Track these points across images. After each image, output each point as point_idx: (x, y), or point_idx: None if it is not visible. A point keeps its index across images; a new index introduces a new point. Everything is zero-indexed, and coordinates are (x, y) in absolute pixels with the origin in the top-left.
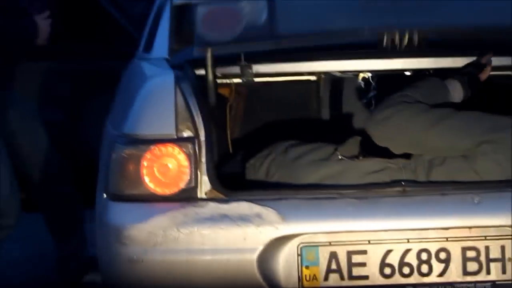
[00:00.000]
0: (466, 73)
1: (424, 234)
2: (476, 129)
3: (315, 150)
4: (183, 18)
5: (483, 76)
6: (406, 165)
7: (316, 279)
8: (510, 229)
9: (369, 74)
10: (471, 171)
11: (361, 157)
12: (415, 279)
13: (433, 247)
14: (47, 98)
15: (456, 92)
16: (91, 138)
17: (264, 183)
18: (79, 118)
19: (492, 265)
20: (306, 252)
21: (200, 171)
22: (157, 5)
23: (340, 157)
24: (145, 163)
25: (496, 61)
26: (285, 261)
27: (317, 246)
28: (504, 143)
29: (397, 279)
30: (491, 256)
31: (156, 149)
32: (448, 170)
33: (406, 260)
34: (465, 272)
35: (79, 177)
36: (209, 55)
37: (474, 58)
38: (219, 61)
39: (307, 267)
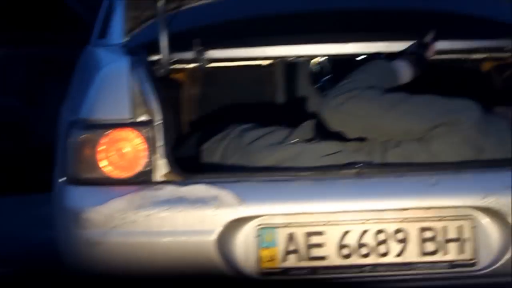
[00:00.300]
0: (412, 53)
1: (381, 215)
2: (431, 112)
3: (270, 134)
4: (138, 3)
5: (429, 54)
6: (361, 148)
7: (274, 260)
8: (466, 209)
9: (322, 59)
10: (426, 153)
11: (317, 140)
12: (373, 259)
13: (390, 228)
14: (1, 83)
15: (405, 72)
16: (48, 122)
17: (221, 166)
18: (35, 103)
19: (449, 245)
20: (264, 233)
21: (156, 155)
22: None
23: (295, 141)
24: (102, 147)
25: (447, 44)
26: (244, 242)
27: (275, 227)
28: (458, 125)
29: (355, 260)
30: (449, 236)
31: (112, 133)
32: (403, 153)
33: (364, 241)
34: (423, 253)
35: (35, 161)
36: (164, 40)
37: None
38: (174, 46)
39: (265, 248)
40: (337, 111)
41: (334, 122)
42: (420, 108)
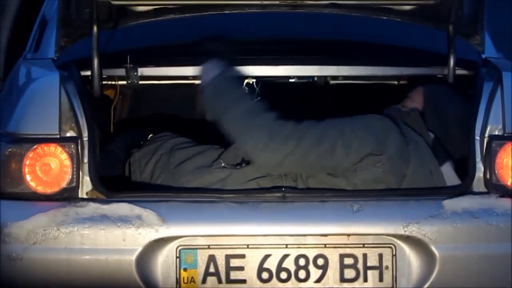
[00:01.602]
0: None
1: (302, 240)
2: (358, 146)
3: (199, 155)
4: (69, 18)
5: None
6: (287, 173)
7: (194, 281)
8: (388, 237)
9: (253, 80)
10: (350, 183)
11: (243, 165)
12: (292, 284)
13: (311, 253)
14: None
15: None
16: None
17: (147, 185)
18: None
19: (369, 272)
20: (184, 254)
21: (82, 171)
22: (44, 7)
23: (223, 165)
24: (27, 162)
25: (378, 70)
26: (164, 263)
27: (196, 249)
28: (381, 155)
29: (275, 284)
30: (369, 263)
31: (38, 148)
32: (327, 180)
33: (284, 265)
34: (343, 279)
35: None
36: (95, 56)
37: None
38: (105, 62)
39: (185, 270)
40: (274, 165)
41: (271, 164)
42: (346, 142)
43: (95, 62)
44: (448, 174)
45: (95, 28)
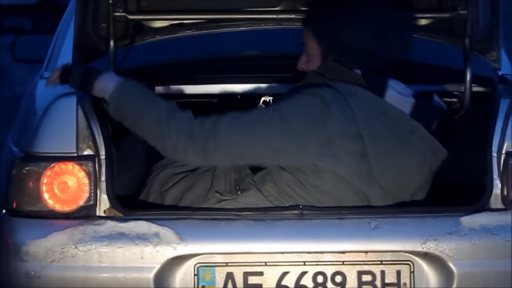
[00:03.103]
0: None
1: (320, 257)
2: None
3: (190, 191)
4: (86, 34)
5: None
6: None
7: None
8: (405, 254)
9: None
10: None
11: (239, 192)
12: None
13: (329, 270)
14: None
15: None
16: None
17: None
18: None
19: None
20: (202, 272)
21: (99, 189)
22: (61, 24)
23: (218, 196)
24: (45, 180)
25: None
26: (182, 280)
27: (214, 266)
28: None
29: None
30: (387, 280)
31: (56, 166)
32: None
33: (302, 282)
34: None
35: None
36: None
37: None
38: None
39: (203, 287)
40: (203, 156)
41: (198, 162)
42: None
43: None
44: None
45: (111, 44)
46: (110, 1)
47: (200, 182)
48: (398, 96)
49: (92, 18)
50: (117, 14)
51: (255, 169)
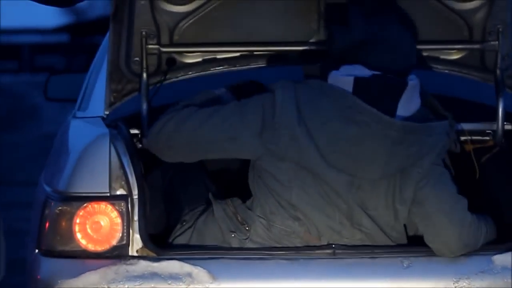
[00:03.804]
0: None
1: None
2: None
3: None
4: (119, 70)
5: None
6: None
7: None
8: None
9: None
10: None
11: (247, 228)
12: None
13: None
14: None
15: (225, 95)
16: None
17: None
18: None
19: None
20: None
21: (132, 229)
22: (93, 63)
23: (232, 236)
24: (78, 220)
25: None
26: None
27: None
28: None
29: None
30: None
31: (89, 206)
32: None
33: None
34: None
35: None
36: (145, 114)
37: None
38: (154, 120)
39: None
40: (158, 136)
41: (157, 148)
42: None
43: (144, 119)
44: None
45: (144, 77)
46: (143, 33)
47: (208, 228)
48: (338, 76)
49: (125, 52)
50: (150, 46)
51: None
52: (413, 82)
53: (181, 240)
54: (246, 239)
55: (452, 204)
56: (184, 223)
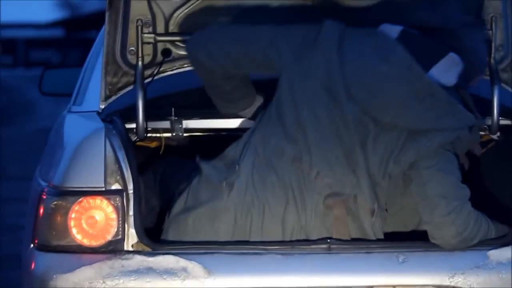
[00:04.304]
0: None
1: None
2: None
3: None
4: (114, 62)
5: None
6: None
7: None
8: None
9: None
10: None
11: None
12: None
13: None
14: None
15: None
16: None
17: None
18: None
19: None
20: None
21: (127, 224)
22: (89, 57)
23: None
24: (73, 215)
25: None
26: None
27: None
28: None
29: None
30: None
31: (84, 201)
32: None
33: None
34: None
35: None
36: (140, 108)
37: None
38: (149, 115)
39: None
40: (202, 35)
41: (197, 51)
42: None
43: (140, 113)
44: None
45: (140, 65)
46: (139, 22)
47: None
48: (387, 25)
49: (121, 42)
50: (145, 35)
51: None
52: (455, 58)
53: (178, 205)
54: (235, 180)
55: (454, 191)
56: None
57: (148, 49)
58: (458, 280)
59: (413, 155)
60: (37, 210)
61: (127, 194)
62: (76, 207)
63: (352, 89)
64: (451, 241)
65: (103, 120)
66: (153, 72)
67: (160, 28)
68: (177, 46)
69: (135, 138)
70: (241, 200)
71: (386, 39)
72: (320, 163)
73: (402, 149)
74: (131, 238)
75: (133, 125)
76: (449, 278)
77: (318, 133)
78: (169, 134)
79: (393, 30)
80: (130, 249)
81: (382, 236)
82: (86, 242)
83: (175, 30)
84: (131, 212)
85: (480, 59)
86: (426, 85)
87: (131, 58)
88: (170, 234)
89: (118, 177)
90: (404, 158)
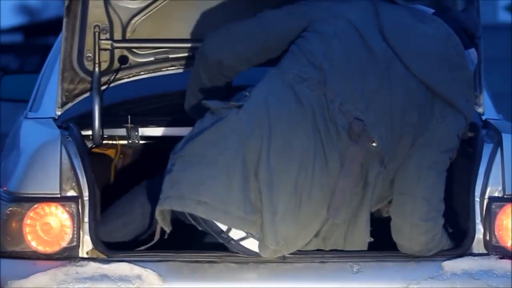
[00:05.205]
0: None
1: None
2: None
3: None
4: (71, 68)
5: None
6: None
7: None
8: None
9: None
10: None
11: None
12: None
13: None
14: None
15: None
16: None
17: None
18: None
19: None
20: None
21: (82, 231)
22: (46, 64)
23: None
24: (28, 221)
25: None
26: None
27: None
28: None
29: None
30: None
31: (39, 207)
32: None
33: None
34: None
35: None
36: (96, 115)
37: None
38: (105, 122)
39: None
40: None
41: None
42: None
43: (96, 120)
44: None
45: (96, 71)
46: (96, 28)
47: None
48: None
49: (78, 48)
50: (103, 41)
51: None
52: (476, 54)
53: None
54: (244, 102)
55: (438, 201)
56: None
57: (105, 56)
58: None
59: (429, 125)
60: None
61: (83, 201)
62: (31, 213)
63: (387, 33)
64: (415, 247)
65: (59, 127)
66: (109, 79)
67: (118, 35)
68: (134, 53)
69: (91, 145)
70: (251, 119)
71: (423, 9)
72: (342, 93)
73: (419, 106)
74: (86, 245)
75: (89, 132)
76: None
77: (346, 67)
78: (125, 142)
79: (427, 10)
80: (85, 256)
81: (378, 192)
82: (41, 248)
83: (132, 37)
84: (86, 219)
85: None
86: (461, 56)
87: (88, 65)
88: (176, 168)
89: (73, 184)
90: (413, 120)
